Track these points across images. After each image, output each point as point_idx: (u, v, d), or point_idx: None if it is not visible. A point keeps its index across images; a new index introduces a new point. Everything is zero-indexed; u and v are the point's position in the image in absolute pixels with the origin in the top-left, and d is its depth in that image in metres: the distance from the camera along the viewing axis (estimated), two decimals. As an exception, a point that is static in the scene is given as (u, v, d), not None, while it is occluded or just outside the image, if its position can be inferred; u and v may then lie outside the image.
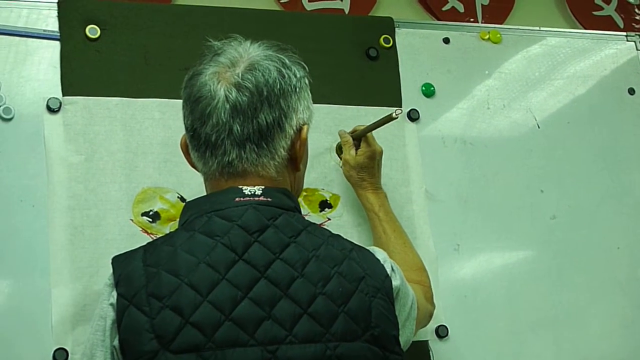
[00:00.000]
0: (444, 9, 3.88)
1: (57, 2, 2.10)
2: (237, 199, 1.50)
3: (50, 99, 2.02)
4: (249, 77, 1.51)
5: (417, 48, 2.42)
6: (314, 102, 2.23)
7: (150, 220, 2.02)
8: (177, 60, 2.13)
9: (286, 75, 1.56)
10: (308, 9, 3.63)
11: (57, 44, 2.07)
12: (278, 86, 1.53)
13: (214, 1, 2.41)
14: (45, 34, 2.07)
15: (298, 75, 1.60)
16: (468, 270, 2.29)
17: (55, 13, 2.09)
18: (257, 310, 1.40)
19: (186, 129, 1.60)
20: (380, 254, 1.60)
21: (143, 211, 2.03)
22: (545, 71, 2.55)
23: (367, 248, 1.61)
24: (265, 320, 1.40)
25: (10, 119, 1.99)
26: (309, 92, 1.64)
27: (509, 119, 2.46)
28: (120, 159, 2.04)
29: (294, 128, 1.57)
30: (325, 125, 2.23)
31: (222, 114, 1.50)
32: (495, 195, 2.37)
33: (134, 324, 1.39)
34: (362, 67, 2.33)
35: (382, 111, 2.27)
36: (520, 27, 2.64)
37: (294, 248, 1.47)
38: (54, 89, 2.04)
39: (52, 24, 2.08)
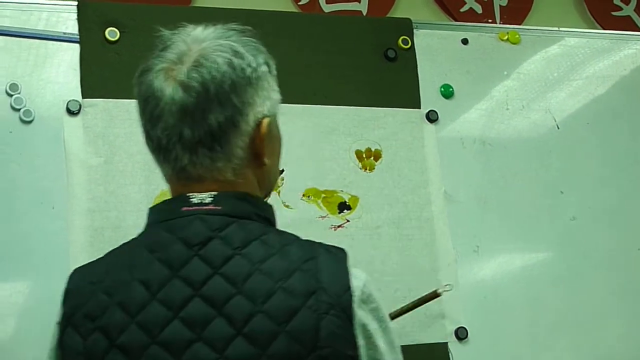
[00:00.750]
0: (461, 10, 3.87)
1: (77, 5, 2.11)
2: (184, 208, 1.38)
3: (70, 101, 2.03)
4: (195, 75, 1.36)
5: (435, 49, 2.41)
6: (333, 104, 2.25)
7: (170, 222, 2.02)
8: (196, 62, 2.13)
9: (238, 67, 1.38)
10: (326, 11, 3.62)
11: (77, 46, 2.08)
12: (228, 81, 1.36)
13: (232, 3, 2.41)
14: (64, 36, 2.08)
15: (253, 65, 1.41)
16: (487, 271, 2.29)
17: (75, 16, 2.10)
18: (187, 332, 1.29)
19: (142, 128, 1.47)
20: (357, 272, 1.38)
21: (162, 213, 2.03)
22: (564, 72, 2.54)
23: (341, 258, 1.38)
24: (195, 343, 1.29)
25: (30, 122, 2.00)
26: (271, 79, 1.46)
27: (528, 120, 2.45)
28: (139, 161, 2.04)
29: (252, 124, 1.39)
30: (344, 126, 2.23)
31: (170, 117, 1.36)
32: (514, 196, 2.36)
33: (72, 344, 1.33)
34: (381, 69, 2.32)
35: (401, 112, 2.28)
36: (539, 27, 2.64)
37: (237, 261, 1.32)
38: (74, 91, 2.05)
39: (71, 26, 2.09)
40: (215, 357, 1.28)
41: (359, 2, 3.73)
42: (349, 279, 1.34)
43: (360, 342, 1.32)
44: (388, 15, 3.65)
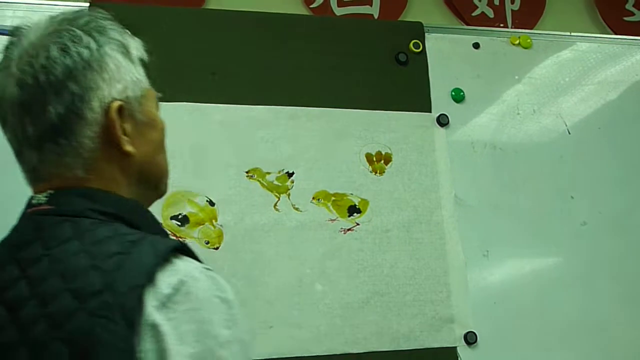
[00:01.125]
0: (473, 14, 3.87)
1: (88, 7, 2.10)
2: (28, 210, 1.29)
3: (80, 102, 2.03)
4: (26, 68, 1.25)
5: (446, 53, 2.41)
6: (344, 107, 2.24)
7: (179, 224, 2.02)
8: (207, 64, 2.13)
9: (73, 52, 1.26)
10: (337, 14, 3.63)
11: (88, 47, 2.08)
12: (60, 68, 1.25)
13: (244, 5, 2.41)
14: (76, 37, 2.08)
15: (93, 46, 1.29)
16: (497, 276, 2.28)
17: (86, 17, 2.10)
18: None
19: None
20: (183, 266, 1.19)
21: (172, 215, 2.03)
22: (575, 76, 2.54)
23: (161, 251, 1.20)
24: None
25: (41, 122, 2.00)
26: (123, 59, 1.33)
27: (539, 124, 2.45)
28: (149, 162, 2.04)
29: (98, 110, 1.26)
30: (354, 129, 2.23)
31: (12, 116, 1.27)
32: (525, 201, 2.35)
33: None
34: (392, 72, 2.32)
35: (412, 116, 2.28)
36: (551, 32, 2.63)
37: (43, 263, 1.19)
38: (85, 92, 2.04)
39: (83, 28, 2.09)
40: None
41: (371, 6, 3.73)
42: (154, 274, 1.15)
43: (148, 346, 1.12)
44: (399, 19, 3.65)
